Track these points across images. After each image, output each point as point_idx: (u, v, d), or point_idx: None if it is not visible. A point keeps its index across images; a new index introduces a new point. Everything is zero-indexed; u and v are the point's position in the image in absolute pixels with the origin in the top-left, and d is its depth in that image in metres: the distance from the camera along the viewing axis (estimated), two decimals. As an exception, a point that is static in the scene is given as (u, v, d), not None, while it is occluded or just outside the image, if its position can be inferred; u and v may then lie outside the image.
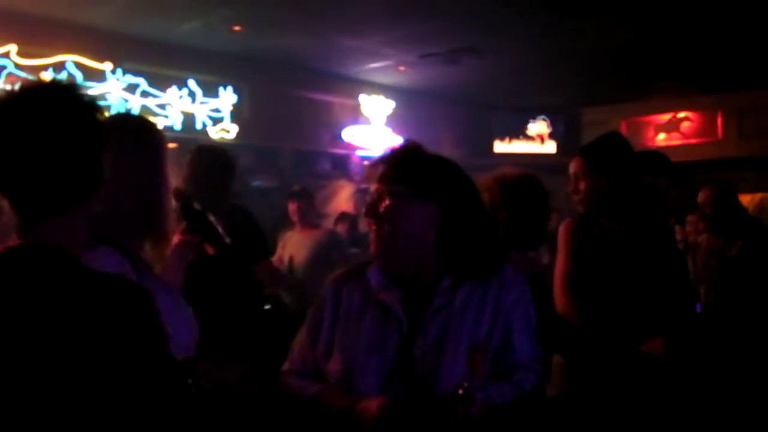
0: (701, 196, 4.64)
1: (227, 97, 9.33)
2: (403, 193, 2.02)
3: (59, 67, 7.78)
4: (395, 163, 2.07)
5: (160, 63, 8.67)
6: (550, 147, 13.04)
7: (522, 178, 2.81)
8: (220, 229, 2.28)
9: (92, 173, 1.51)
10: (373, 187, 2.06)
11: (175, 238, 2.19)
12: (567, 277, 3.07)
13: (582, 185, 3.29)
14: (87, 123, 1.52)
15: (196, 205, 2.28)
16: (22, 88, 1.52)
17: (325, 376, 2.05)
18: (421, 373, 1.94)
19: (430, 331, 1.98)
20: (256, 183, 9.32)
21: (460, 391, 1.79)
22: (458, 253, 2.06)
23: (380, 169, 2.06)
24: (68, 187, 1.47)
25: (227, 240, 2.30)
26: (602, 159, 3.27)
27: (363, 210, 2.09)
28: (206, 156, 4.29)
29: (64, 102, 1.51)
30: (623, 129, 12.05)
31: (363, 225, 6.17)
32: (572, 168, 3.34)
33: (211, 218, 2.27)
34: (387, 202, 2.02)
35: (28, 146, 1.44)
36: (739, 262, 4.48)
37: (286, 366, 2.19)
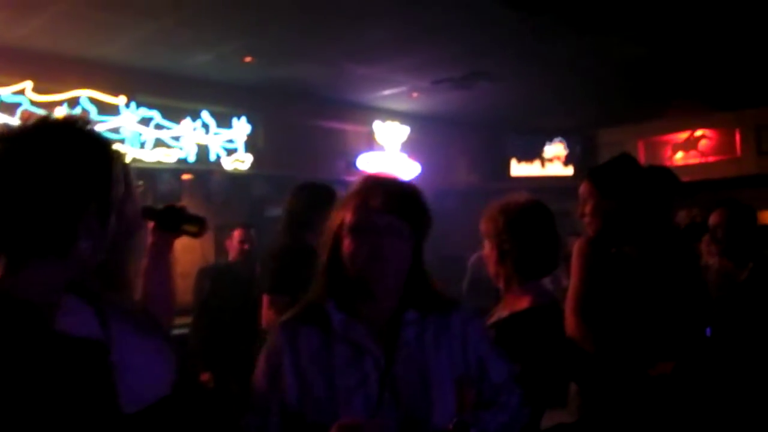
0: (713, 218, 4.54)
1: (241, 128, 9.33)
2: (405, 229, 1.98)
3: (73, 102, 7.82)
4: (397, 195, 2.00)
5: (173, 95, 8.69)
6: (567, 169, 12.95)
7: (525, 205, 2.72)
8: (186, 209, 2.30)
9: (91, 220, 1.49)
10: (381, 218, 1.95)
11: (148, 241, 2.23)
12: (578, 300, 3.06)
13: (588, 207, 3.30)
14: (95, 169, 1.50)
15: (155, 206, 2.31)
16: (27, 127, 1.50)
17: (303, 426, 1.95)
18: (410, 408, 1.89)
19: (410, 364, 1.94)
20: (271, 213, 9.29)
21: (450, 427, 1.81)
22: (423, 288, 2.05)
23: (375, 198, 1.96)
24: (58, 235, 1.45)
25: (195, 213, 2.32)
26: (608, 181, 3.28)
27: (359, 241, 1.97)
28: (300, 193, 4.44)
29: (74, 147, 1.49)
30: (641, 149, 12.01)
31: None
32: (581, 190, 3.35)
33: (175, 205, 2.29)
34: (391, 242, 1.95)
35: (30, 191, 1.41)
36: (750, 286, 4.39)
37: (249, 421, 2.01)
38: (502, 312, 2.70)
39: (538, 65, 8.93)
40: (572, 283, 3.20)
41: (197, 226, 2.29)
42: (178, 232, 2.28)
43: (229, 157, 9.18)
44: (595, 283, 3.14)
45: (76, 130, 1.53)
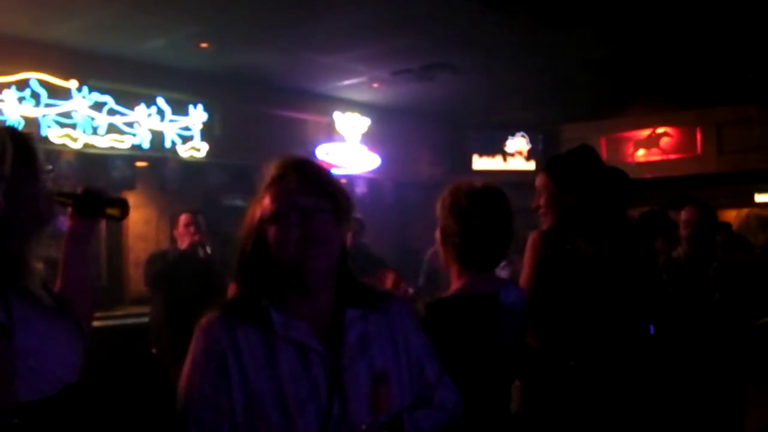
0: (687, 215, 4.55)
1: (197, 115, 9.19)
2: (332, 213, 1.84)
3: (23, 84, 7.64)
4: (315, 175, 1.87)
5: (128, 80, 8.54)
6: (530, 164, 12.95)
7: (478, 190, 2.55)
8: (105, 191, 2.16)
9: None
10: (305, 200, 1.81)
11: (67, 225, 2.10)
12: (527, 294, 2.97)
13: (543, 199, 3.24)
14: None
15: (70, 190, 2.12)
16: None
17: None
18: (358, 416, 1.78)
19: (357, 369, 1.82)
20: (228, 202, 9.17)
21: (363, 427, 1.73)
22: (353, 281, 1.94)
23: (294, 181, 1.83)
24: None
25: (117, 196, 2.17)
26: (565, 173, 3.20)
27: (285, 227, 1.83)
28: None
29: None
30: (603, 145, 12.02)
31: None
32: (537, 182, 3.29)
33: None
34: (320, 221, 1.81)
35: None
36: (718, 283, 4.42)
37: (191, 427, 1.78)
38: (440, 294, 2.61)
39: (501, 59, 8.91)
40: (523, 275, 3.15)
41: (119, 209, 2.14)
42: (99, 216, 2.15)
43: (184, 145, 9.04)
44: (545, 277, 3.08)
45: None
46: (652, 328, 3.51)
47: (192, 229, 6.13)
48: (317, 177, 1.87)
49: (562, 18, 7.38)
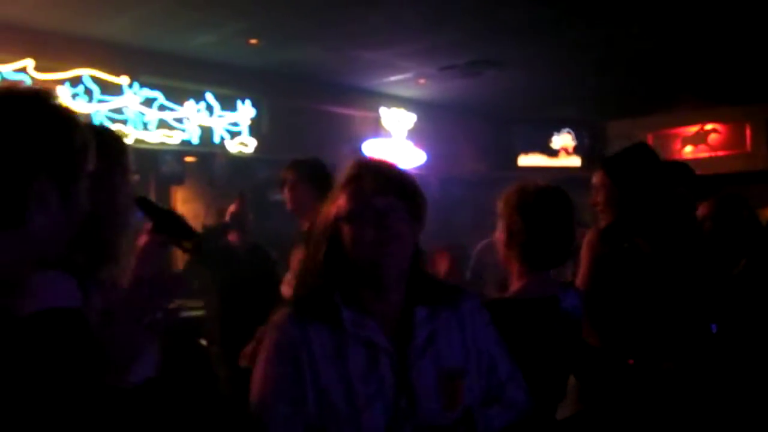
0: (700, 210, 4.42)
1: (245, 111, 9.28)
2: (406, 212, 1.90)
3: (76, 81, 7.76)
4: (392, 177, 1.92)
5: (177, 76, 8.64)
6: (575, 160, 12.86)
7: (542, 189, 2.58)
8: (187, 222, 2.16)
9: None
10: (380, 201, 1.87)
11: (141, 240, 2.07)
12: (585, 293, 2.96)
13: (601, 197, 3.24)
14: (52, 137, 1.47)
15: (157, 203, 2.16)
16: None
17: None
18: (426, 414, 1.81)
19: (425, 367, 1.86)
20: (274, 197, 9.24)
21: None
22: (426, 278, 1.98)
23: (369, 181, 1.88)
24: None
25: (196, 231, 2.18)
26: (623, 171, 3.20)
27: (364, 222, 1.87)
28: None
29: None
30: (650, 141, 11.87)
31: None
32: (594, 179, 3.28)
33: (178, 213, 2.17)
34: (395, 220, 1.86)
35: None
36: (744, 282, 4.28)
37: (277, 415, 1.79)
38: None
39: (548, 54, 8.86)
40: (580, 274, 3.15)
41: (193, 245, 2.13)
42: (172, 241, 2.12)
43: (232, 140, 9.13)
44: (602, 275, 3.07)
45: (33, 98, 1.49)
46: (714, 326, 3.48)
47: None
48: (392, 177, 1.92)
49: (610, 13, 7.34)
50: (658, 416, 2.92)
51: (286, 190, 4.35)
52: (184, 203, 8.86)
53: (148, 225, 2.09)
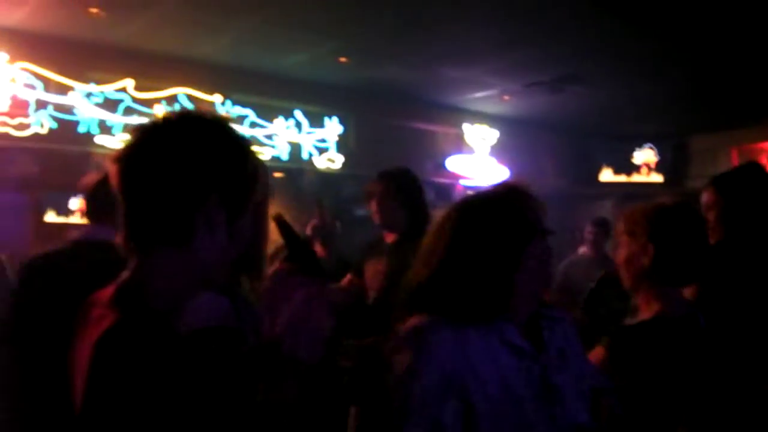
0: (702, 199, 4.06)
1: (333, 127, 9.46)
2: None
3: (172, 99, 8.05)
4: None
5: (268, 94, 8.86)
6: (657, 176, 12.71)
7: (673, 206, 2.50)
8: (320, 260, 2.08)
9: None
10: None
11: (273, 266, 1.98)
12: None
13: (712, 216, 3.21)
14: (236, 160, 1.52)
15: (297, 231, 2.00)
16: (162, 120, 1.52)
17: None
18: (567, 415, 1.88)
19: (562, 372, 1.93)
20: (360, 212, 9.38)
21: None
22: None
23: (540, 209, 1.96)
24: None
25: (326, 270, 2.09)
26: (735, 189, 3.18)
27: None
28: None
29: (217, 137, 1.51)
30: (734, 156, 11.69)
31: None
32: (704, 198, 3.26)
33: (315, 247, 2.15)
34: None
35: (149, 177, 1.44)
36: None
37: None
38: (628, 321, 2.53)
39: (631, 69, 8.81)
40: (687, 291, 3.09)
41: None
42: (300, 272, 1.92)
43: (320, 156, 9.31)
44: (716, 295, 2.94)
45: (215, 124, 1.54)
46: None
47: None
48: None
49: (693, 28, 7.28)
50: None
51: (373, 204, 4.30)
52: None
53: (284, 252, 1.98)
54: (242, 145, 1.57)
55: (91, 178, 3.06)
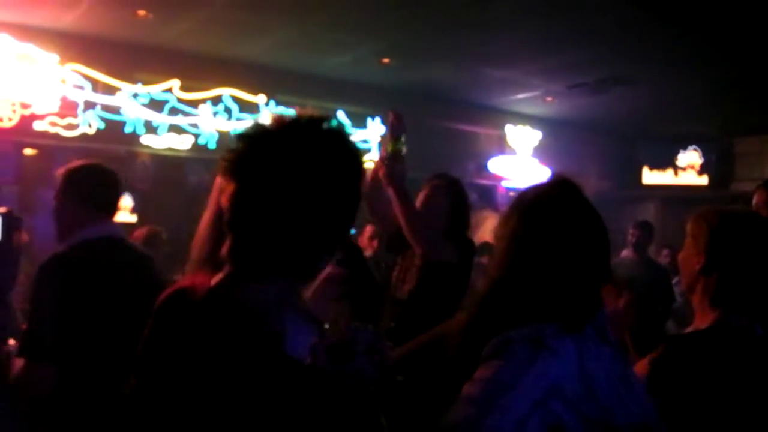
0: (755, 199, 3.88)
1: (375, 128, 9.50)
2: None
3: (217, 99, 8.16)
4: None
5: (310, 95, 8.84)
6: (702, 178, 12.57)
7: (740, 216, 2.34)
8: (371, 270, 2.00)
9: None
10: None
11: (326, 270, 1.88)
12: None
13: (763, 216, 3.18)
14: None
15: (350, 236, 1.95)
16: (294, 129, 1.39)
17: None
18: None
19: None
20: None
21: None
22: None
23: None
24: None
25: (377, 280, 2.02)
26: None
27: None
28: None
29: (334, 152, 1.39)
30: (777, 159, 11.56)
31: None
32: (756, 199, 3.23)
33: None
34: None
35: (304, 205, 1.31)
36: None
37: None
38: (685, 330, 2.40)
39: (676, 71, 8.74)
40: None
41: (368, 288, 2.10)
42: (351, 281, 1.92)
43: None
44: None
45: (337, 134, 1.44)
46: None
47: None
48: None
49: (737, 29, 7.21)
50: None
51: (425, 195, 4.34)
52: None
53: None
54: (360, 158, 1.45)
55: (76, 164, 2.99)
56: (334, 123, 1.44)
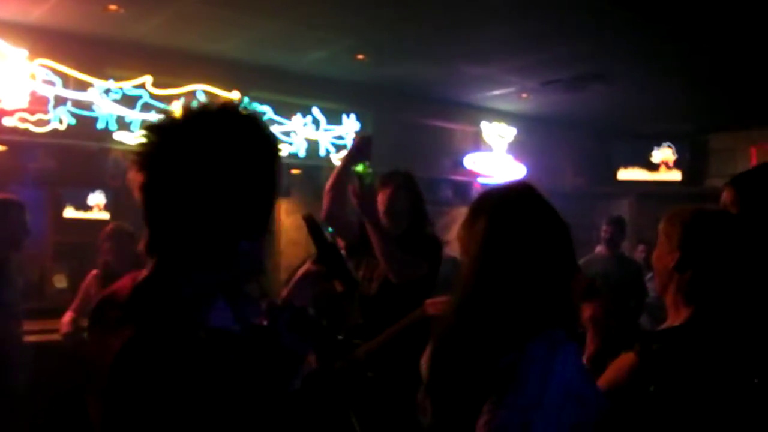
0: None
1: (350, 125, 9.45)
2: None
3: (190, 96, 8.05)
4: None
5: (286, 91, 8.86)
6: (675, 174, 12.64)
7: (715, 217, 2.35)
8: (349, 265, 2.06)
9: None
10: None
11: (304, 267, 1.92)
12: None
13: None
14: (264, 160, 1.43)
15: (327, 234, 2.05)
16: (200, 114, 1.41)
17: None
18: None
19: None
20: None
21: None
22: None
23: None
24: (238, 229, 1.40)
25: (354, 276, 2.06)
26: (755, 189, 3.14)
27: None
28: None
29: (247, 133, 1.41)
30: (753, 155, 11.61)
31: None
32: (723, 197, 3.22)
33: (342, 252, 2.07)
34: None
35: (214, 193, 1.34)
36: None
37: None
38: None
39: (650, 68, 8.77)
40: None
41: (345, 287, 1.99)
42: (329, 277, 1.93)
43: (337, 154, 9.31)
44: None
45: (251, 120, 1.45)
46: None
47: None
48: None
49: (712, 28, 7.24)
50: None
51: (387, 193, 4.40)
52: (288, 215, 9.04)
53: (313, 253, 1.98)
54: (274, 144, 1.50)
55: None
56: (245, 110, 1.45)
